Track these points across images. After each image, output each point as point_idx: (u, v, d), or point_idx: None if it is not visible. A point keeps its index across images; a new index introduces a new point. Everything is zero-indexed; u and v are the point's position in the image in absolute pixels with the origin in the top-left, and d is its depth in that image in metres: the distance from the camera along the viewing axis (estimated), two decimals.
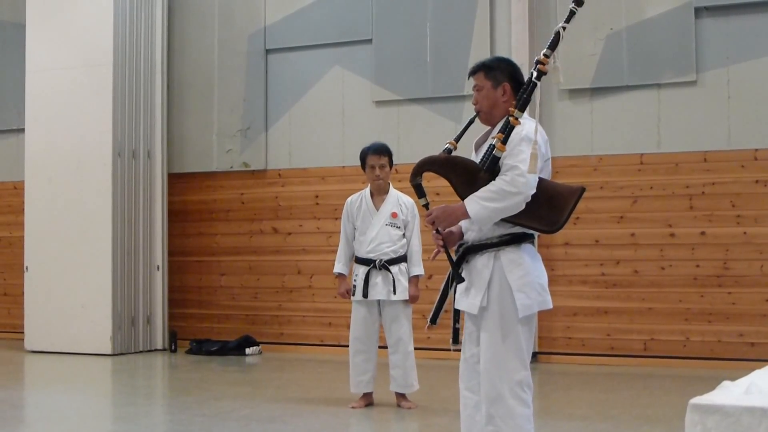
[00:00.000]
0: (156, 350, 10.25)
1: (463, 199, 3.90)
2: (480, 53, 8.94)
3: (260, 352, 10.03)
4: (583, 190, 3.89)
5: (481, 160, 3.93)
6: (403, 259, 6.71)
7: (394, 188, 6.86)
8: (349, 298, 6.79)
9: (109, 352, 9.71)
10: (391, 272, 6.63)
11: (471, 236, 4.03)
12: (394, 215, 6.71)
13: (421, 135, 9.58)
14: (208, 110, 10.65)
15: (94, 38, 10.01)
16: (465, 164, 3.96)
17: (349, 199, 6.92)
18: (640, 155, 8.93)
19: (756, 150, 8.56)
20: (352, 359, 6.72)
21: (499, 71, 4.09)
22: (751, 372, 3.73)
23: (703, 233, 8.68)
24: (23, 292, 10.42)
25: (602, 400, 7.11)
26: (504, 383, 3.87)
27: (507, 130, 3.86)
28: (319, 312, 10.06)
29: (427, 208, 3.98)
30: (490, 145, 3.91)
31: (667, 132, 8.85)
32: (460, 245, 4.07)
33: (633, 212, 8.91)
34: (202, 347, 10.04)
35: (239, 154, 10.48)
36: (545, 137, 4.00)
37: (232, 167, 10.53)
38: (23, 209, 10.48)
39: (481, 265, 3.96)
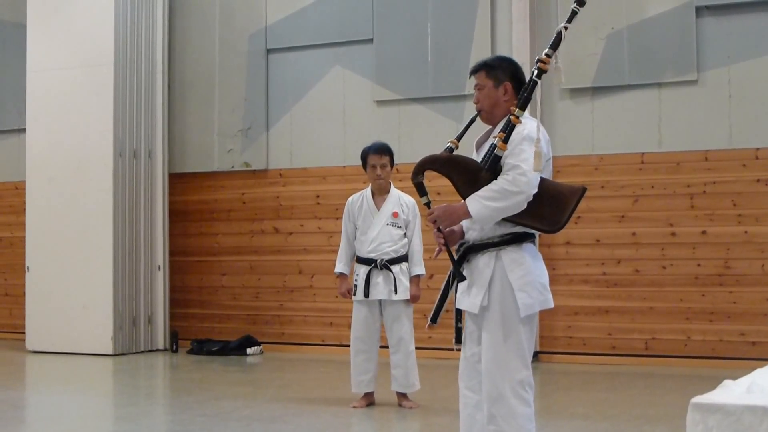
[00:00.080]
0: (157, 350, 10.25)
1: (464, 199, 3.90)
2: (481, 53, 8.94)
3: (261, 352, 10.03)
4: (584, 190, 3.89)
5: (483, 159, 3.93)
6: (404, 258, 6.71)
7: (395, 188, 6.86)
8: (350, 298, 6.79)
9: (110, 352, 9.72)
10: (392, 272, 6.63)
11: (472, 235, 4.02)
12: (395, 215, 6.71)
13: (422, 134, 9.58)
14: (209, 110, 10.66)
15: (94, 38, 10.02)
16: (467, 163, 3.96)
17: (350, 198, 6.92)
18: (641, 154, 8.92)
19: (757, 149, 8.56)
20: (353, 359, 6.72)
21: (500, 70, 4.09)
22: (752, 371, 3.73)
23: (704, 232, 8.68)
24: (24, 293, 10.42)
25: (603, 400, 7.11)
26: (505, 383, 3.87)
27: (508, 130, 3.86)
28: (321, 312, 10.06)
29: (429, 207, 3.98)
30: (492, 144, 3.91)
31: (668, 131, 8.85)
32: (461, 244, 4.07)
33: (634, 211, 8.91)
34: (203, 347, 10.04)
35: (240, 154, 10.48)
36: (546, 137, 4.00)
37: (233, 167, 10.53)
38: (24, 209, 10.48)
39: (482, 264, 3.96)
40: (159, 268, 10.33)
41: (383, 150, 6.75)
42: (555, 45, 3.91)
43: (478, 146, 4.15)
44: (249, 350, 9.91)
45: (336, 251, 7.01)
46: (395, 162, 6.88)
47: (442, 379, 7.72)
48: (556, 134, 8.91)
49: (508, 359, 3.89)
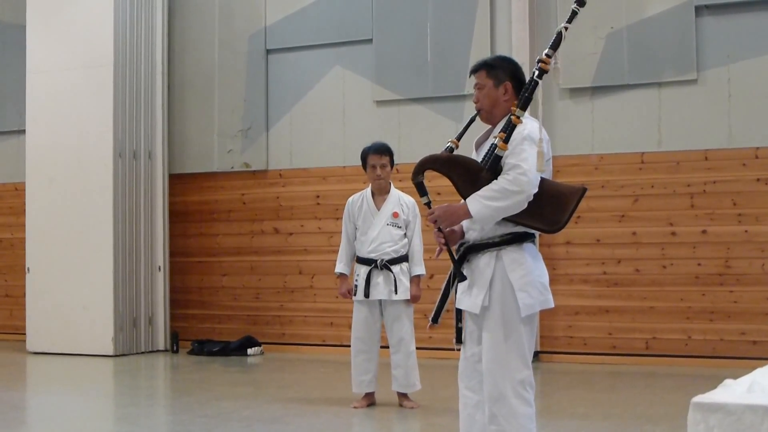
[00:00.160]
0: (158, 351, 10.25)
1: (464, 198, 3.90)
2: (481, 53, 8.93)
3: (262, 353, 10.03)
4: (584, 190, 3.89)
5: (483, 159, 3.93)
6: (404, 258, 6.70)
7: (395, 188, 6.86)
8: (351, 298, 6.79)
9: (110, 353, 9.71)
10: (392, 272, 6.63)
11: (473, 235, 4.02)
12: (395, 215, 6.71)
13: (421, 134, 9.58)
14: (209, 111, 10.65)
15: (94, 39, 10.02)
16: (467, 163, 3.96)
17: (350, 198, 6.92)
18: (641, 154, 8.92)
19: (757, 148, 8.56)
20: (353, 359, 6.72)
21: (501, 70, 4.09)
22: (753, 370, 3.73)
23: (704, 232, 8.68)
24: (25, 294, 10.42)
25: (604, 399, 7.11)
26: (506, 382, 3.87)
27: (509, 130, 3.86)
28: (321, 312, 10.06)
29: (429, 207, 3.98)
30: (492, 144, 3.91)
31: (668, 131, 8.85)
32: (462, 244, 4.07)
33: (634, 211, 8.91)
34: (203, 348, 10.04)
35: (240, 155, 10.48)
36: (546, 137, 4.00)
37: (233, 167, 10.53)
38: (24, 210, 10.48)
39: (483, 264, 3.96)
40: (159, 268, 10.33)
41: (383, 150, 6.75)
42: (555, 45, 3.92)
43: (478, 146, 4.15)
44: (249, 351, 9.91)
45: (336, 251, 7.01)
46: (395, 162, 6.88)
47: (443, 379, 7.71)
48: (556, 134, 8.91)
49: (509, 359, 3.89)
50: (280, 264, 10.31)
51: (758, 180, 8.53)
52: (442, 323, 4.07)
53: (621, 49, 8.97)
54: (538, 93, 4.01)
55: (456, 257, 4.03)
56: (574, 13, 3.93)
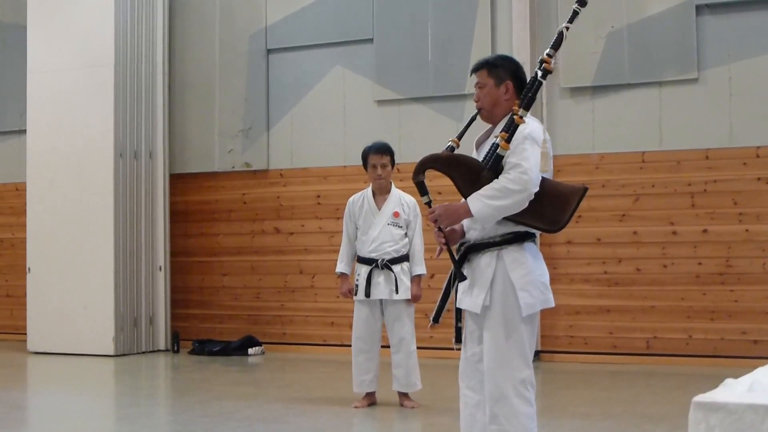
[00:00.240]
0: (158, 351, 10.25)
1: (465, 198, 3.89)
2: (481, 52, 8.93)
3: (263, 352, 10.03)
4: (585, 189, 3.88)
5: (484, 158, 3.93)
6: (405, 258, 6.70)
7: (396, 187, 6.86)
8: (352, 298, 6.79)
9: (111, 352, 9.72)
10: (393, 272, 6.62)
11: (473, 235, 4.02)
12: (396, 215, 6.71)
13: (422, 134, 9.57)
14: (210, 110, 10.66)
15: (95, 39, 10.02)
16: (468, 162, 3.96)
17: (351, 198, 6.92)
18: (642, 153, 8.92)
19: (758, 147, 8.56)
20: (354, 359, 6.72)
21: (502, 69, 4.08)
22: (754, 369, 3.72)
23: (705, 231, 8.68)
24: (26, 294, 10.42)
25: (605, 399, 7.10)
26: (507, 382, 3.87)
27: (511, 129, 3.86)
28: (322, 312, 10.06)
29: (430, 206, 3.98)
30: (494, 143, 3.90)
31: (669, 130, 8.85)
32: (462, 244, 4.07)
33: (635, 210, 8.91)
34: (204, 348, 10.04)
35: (241, 155, 10.48)
36: (547, 137, 3.99)
37: (233, 167, 10.53)
38: (25, 210, 10.48)
39: (484, 264, 3.96)
40: (160, 268, 10.33)
41: (384, 150, 6.75)
42: (556, 45, 3.92)
43: (478, 145, 4.15)
44: (250, 350, 9.91)
45: (337, 251, 7.01)
46: (396, 162, 6.88)
47: (444, 379, 7.71)
48: (556, 133, 8.91)
49: (510, 358, 3.89)
50: (280, 264, 10.31)
51: (759, 179, 8.53)
52: (443, 323, 4.07)
53: (622, 48, 8.97)
54: (542, 93, 4.00)
55: (456, 257, 4.03)
56: (575, 13, 3.93)
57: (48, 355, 9.95)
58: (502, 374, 3.88)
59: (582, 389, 7.68)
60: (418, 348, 6.71)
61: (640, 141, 8.93)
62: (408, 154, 8.84)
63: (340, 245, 6.95)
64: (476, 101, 4.13)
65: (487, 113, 4.10)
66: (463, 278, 3.98)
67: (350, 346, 6.81)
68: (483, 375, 3.99)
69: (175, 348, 10.23)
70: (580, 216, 8.84)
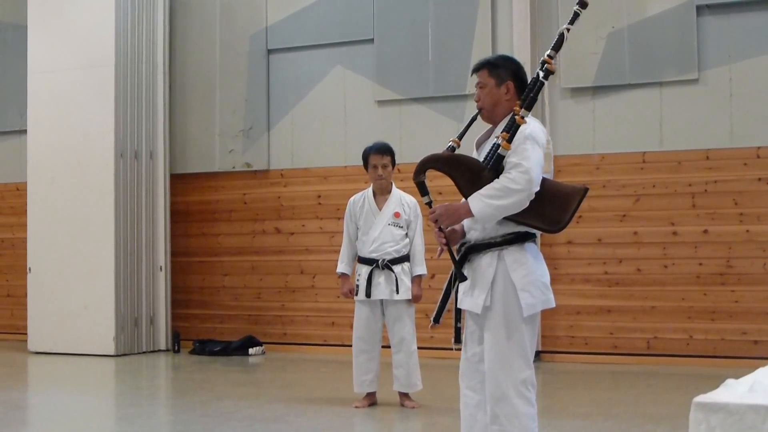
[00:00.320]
0: (159, 351, 10.25)
1: (466, 198, 3.89)
2: (482, 53, 8.93)
3: (263, 353, 10.03)
4: (586, 190, 3.88)
5: (485, 158, 3.93)
6: (405, 258, 6.70)
7: (397, 188, 6.86)
8: (352, 298, 6.79)
9: (112, 352, 9.72)
10: (393, 272, 6.63)
11: (474, 235, 4.02)
12: (396, 215, 6.71)
13: (423, 134, 9.57)
14: (210, 110, 10.66)
15: (95, 39, 10.02)
16: (469, 162, 3.96)
17: (351, 198, 6.92)
18: (643, 153, 8.92)
19: (758, 148, 8.56)
20: (355, 359, 6.72)
21: (503, 69, 4.09)
22: (754, 370, 3.73)
23: (705, 231, 8.68)
24: (26, 294, 10.42)
25: (605, 399, 7.11)
26: (509, 382, 3.87)
27: (512, 130, 3.86)
28: (322, 312, 10.06)
29: (430, 206, 3.98)
30: (495, 143, 3.91)
31: (670, 130, 8.85)
32: (462, 244, 4.07)
33: (635, 211, 8.91)
34: (205, 347, 10.04)
35: (241, 155, 10.48)
36: (549, 137, 4.00)
37: (234, 167, 10.53)
38: (26, 210, 10.48)
39: (485, 264, 3.96)
40: (160, 268, 10.33)
41: (384, 150, 6.75)
42: (557, 47, 3.93)
43: (479, 145, 4.15)
44: (251, 350, 9.91)
45: (337, 251, 7.01)
46: (396, 162, 6.88)
47: (444, 379, 7.71)
48: (557, 134, 8.91)
49: (511, 359, 3.89)
50: (281, 264, 10.31)
51: (760, 179, 8.53)
52: (443, 323, 4.07)
53: (622, 48, 8.97)
54: (544, 94, 3.99)
55: (457, 257, 4.03)
56: (576, 15, 3.94)
57: (48, 355, 9.95)
58: (503, 374, 3.88)
59: (583, 389, 7.68)
60: (418, 348, 6.72)
61: (640, 141, 8.93)
62: (408, 155, 8.84)
63: (340, 245, 6.96)
64: (477, 101, 4.13)
65: (488, 113, 4.10)
66: (464, 279, 3.98)
67: (351, 346, 6.81)
68: (483, 375, 3.99)
69: (176, 348, 10.23)
70: (580, 216, 8.84)
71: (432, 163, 4.01)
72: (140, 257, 10.13)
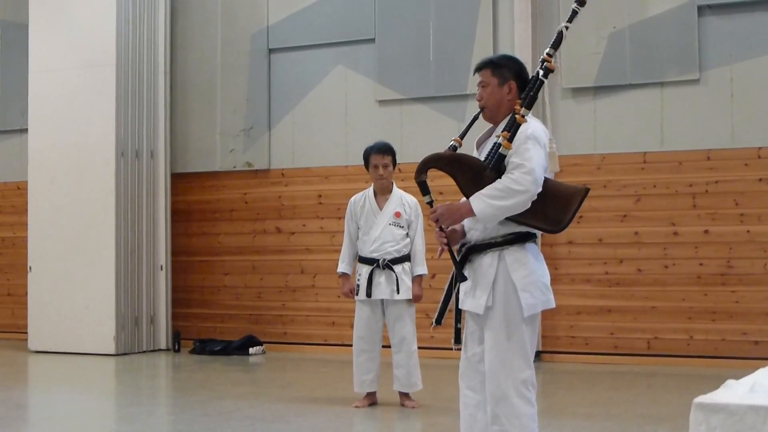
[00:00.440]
0: (159, 350, 10.25)
1: (468, 197, 3.89)
2: (483, 52, 8.92)
3: (264, 352, 10.03)
4: (587, 190, 3.88)
5: (487, 158, 3.93)
6: (406, 258, 6.70)
7: (398, 187, 6.86)
8: (353, 298, 6.79)
9: (112, 352, 9.72)
10: (394, 272, 6.62)
11: (474, 235, 4.02)
12: (397, 215, 6.71)
13: (424, 134, 9.57)
14: (211, 110, 10.66)
15: (96, 38, 10.02)
16: (471, 162, 3.96)
17: (352, 198, 6.92)
18: (644, 154, 8.92)
19: (759, 148, 8.55)
20: (355, 359, 6.72)
21: (506, 69, 4.08)
22: (755, 370, 3.73)
23: (706, 232, 8.67)
24: (27, 293, 10.43)
25: (606, 399, 7.10)
26: (509, 382, 3.87)
27: (513, 129, 3.86)
28: (323, 311, 10.06)
29: (431, 206, 3.98)
30: (496, 143, 3.90)
31: (671, 130, 8.85)
32: (463, 245, 4.07)
33: (636, 211, 8.90)
34: (205, 347, 10.04)
35: (242, 154, 10.48)
36: (549, 136, 4.00)
37: (235, 167, 10.53)
38: (26, 209, 10.49)
39: (486, 264, 3.96)
40: (161, 267, 10.33)
41: (385, 150, 6.75)
42: (556, 44, 3.93)
43: (479, 145, 4.15)
44: (251, 350, 9.91)
45: (338, 251, 7.01)
46: (397, 162, 6.88)
47: (445, 379, 7.71)
48: (558, 134, 8.89)
49: (512, 359, 3.89)
50: (282, 263, 10.31)
51: (760, 180, 8.53)
52: (444, 323, 4.07)
53: (623, 48, 8.97)
54: (544, 93, 3.99)
55: (457, 258, 4.03)
56: (574, 13, 3.94)
57: (49, 354, 9.95)
58: (503, 375, 3.88)
59: (583, 390, 7.68)
60: (419, 348, 6.72)
61: (641, 141, 8.93)
62: (409, 154, 8.84)
63: (341, 245, 6.95)
64: (479, 100, 4.13)
65: (490, 112, 4.10)
66: (464, 279, 3.98)
67: (351, 346, 6.81)
68: (483, 375, 3.99)
69: (176, 347, 10.23)
70: (581, 216, 8.84)
71: (434, 162, 4.00)
72: (141, 256, 10.13)
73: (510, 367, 3.88)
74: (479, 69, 4.13)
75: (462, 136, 4.12)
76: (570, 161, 8.96)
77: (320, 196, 10.15)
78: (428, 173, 4.01)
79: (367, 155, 6.78)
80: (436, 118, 9.60)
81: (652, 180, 8.86)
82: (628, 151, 8.96)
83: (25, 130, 10.75)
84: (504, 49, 9.07)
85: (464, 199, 3.95)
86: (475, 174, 3.90)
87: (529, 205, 3.81)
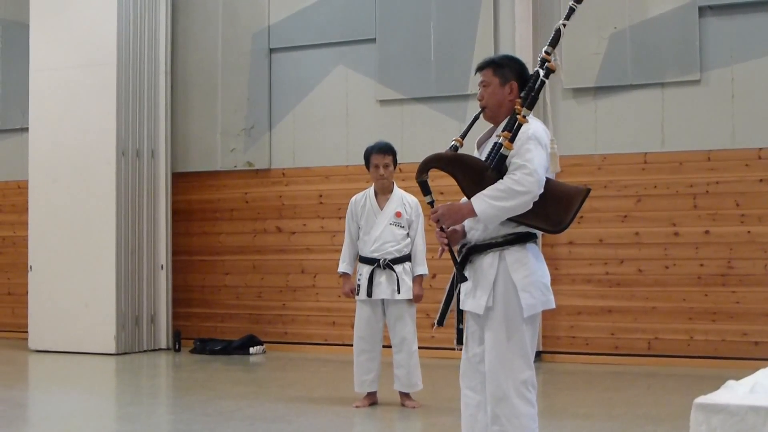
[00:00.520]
0: (160, 349, 10.25)
1: (469, 198, 3.89)
2: (484, 52, 8.93)
3: (264, 352, 10.03)
4: (588, 190, 3.88)
5: (488, 158, 3.92)
6: (407, 258, 6.70)
7: (399, 187, 6.86)
8: (353, 298, 6.79)
9: (112, 351, 9.72)
10: (395, 271, 6.62)
11: (475, 235, 4.02)
12: (398, 215, 6.71)
13: (424, 134, 9.57)
14: (212, 109, 10.66)
15: (97, 37, 10.02)
16: (472, 162, 3.96)
17: (353, 198, 6.92)
18: (644, 154, 8.92)
19: (760, 149, 8.55)
20: (356, 358, 6.72)
21: (507, 69, 4.08)
22: (755, 371, 3.73)
23: (707, 232, 8.67)
24: (27, 292, 10.43)
25: (606, 399, 7.10)
26: (509, 383, 3.87)
27: (514, 129, 3.86)
28: (323, 311, 10.06)
29: (432, 206, 3.98)
30: (496, 143, 3.90)
31: (671, 131, 8.84)
32: (464, 245, 4.06)
33: (637, 211, 8.90)
34: (206, 346, 10.04)
35: (243, 154, 10.48)
36: (550, 136, 4.00)
37: (235, 166, 10.54)
38: (27, 208, 10.48)
39: (486, 264, 3.96)
40: (162, 267, 10.33)
41: (386, 149, 6.75)
42: (554, 42, 3.94)
43: (480, 145, 4.15)
44: (252, 350, 9.91)
45: (339, 251, 7.01)
46: (398, 161, 6.88)
47: (445, 379, 7.71)
48: (559, 134, 8.78)
49: (512, 359, 3.89)
50: (282, 263, 10.31)
51: (761, 181, 8.53)
52: (445, 323, 4.07)
53: (624, 49, 8.97)
54: (545, 94, 4.00)
55: (458, 258, 4.03)
56: (571, 10, 3.96)
57: (49, 354, 9.95)
58: (504, 375, 3.88)
59: (583, 390, 7.68)
60: (419, 348, 6.72)
61: (642, 142, 8.93)
62: (410, 154, 8.84)
63: (342, 245, 6.95)
64: (480, 99, 4.12)
65: (491, 112, 4.10)
66: (464, 279, 3.98)
67: (352, 345, 6.81)
68: (484, 376, 3.99)
69: (177, 347, 10.23)
70: (582, 217, 8.83)
71: (435, 162, 4.00)
72: (141, 256, 10.14)
73: (510, 368, 3.88)
74: (481, 69, 4.13)
75: (463, 136, 4.12)
76: (571, 162, 8.96)
77: (321, 195, 10.15)
78: (429, 173, 4.01)
79: (368, 155, 6.78)
80: (436, 118, 9.60)
81: (653, 180, 8.86)
82: (628, 151, 8.96)
83: (26, 130, 10.75)
84: (505, 49, 9.07)
85: (465, 199, 3.95)
86: (476, 174, 3.90)
87: (530, 206, 3.81)
